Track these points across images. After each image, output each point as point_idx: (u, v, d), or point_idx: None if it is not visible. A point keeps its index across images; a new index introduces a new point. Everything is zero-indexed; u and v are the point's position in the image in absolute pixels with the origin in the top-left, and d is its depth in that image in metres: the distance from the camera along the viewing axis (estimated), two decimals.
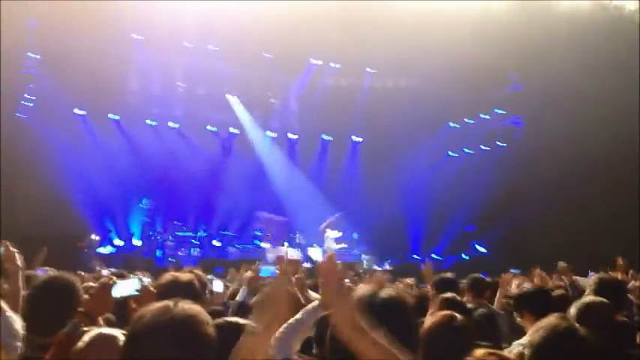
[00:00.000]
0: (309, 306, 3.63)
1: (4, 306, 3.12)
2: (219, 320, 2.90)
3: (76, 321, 2.89)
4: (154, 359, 1.79)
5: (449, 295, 4.61)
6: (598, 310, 3.48)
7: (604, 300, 3.63)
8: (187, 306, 1.90)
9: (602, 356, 2.38)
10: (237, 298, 4.77)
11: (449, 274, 6.41)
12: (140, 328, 1.83)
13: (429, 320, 3.30)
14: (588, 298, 3.73)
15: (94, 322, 2.96)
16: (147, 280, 4.28)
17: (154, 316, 1.84)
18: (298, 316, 3.53)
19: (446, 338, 3.11)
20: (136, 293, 3.08)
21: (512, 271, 11.54)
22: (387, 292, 2.04)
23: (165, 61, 21.44)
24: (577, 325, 2.43)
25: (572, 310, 3.52)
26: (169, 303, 1.89)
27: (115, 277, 3.26)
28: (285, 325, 3.48)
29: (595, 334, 3.14)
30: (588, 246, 16.41)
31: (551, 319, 2.45)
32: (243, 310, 4.55)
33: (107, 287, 3.07)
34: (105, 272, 8.52)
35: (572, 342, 2.32)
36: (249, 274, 4.96)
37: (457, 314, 3.34)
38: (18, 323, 3.10)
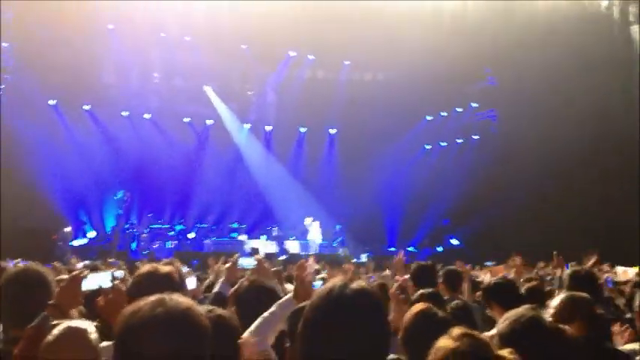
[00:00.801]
0: (283, 299, 3.64)
1: None
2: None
3: (45, 314, 2.85)
4: (151, 353, 1.77)
5: (424, 290, 4.65)
6: (580, 304, 3.51)
7: (585, 295, 3.66)
8: (181, 299, 1.88)
9: (570, 346, 2.42)
10: (215, 289, 4.74)
11: (424, 263, 6.37)
12: (136, 322, 1.79)
13: (407, 313, 3.31)
14: (570, 292, 3.73)
15: (64, 315, 2.93)
16: (120, 274, 4.24)
17: (151, 309, 1.81)
18: (272, 309, 3.54)
19: (425, 331, 3.13)
20: (107, 286, 3.05)
21: (487, 263, 11.70)
22: (358, 283, 2.04)
23: (142, 52, 21.24)
24: (543, 315, 2.47)
25: (554, 303, 3.55)
26: (163, 296, 1.86)
27: (86, 270, 3.23)
28: (259, 319, 3.49)
29: (578, 328, 3.19)
30: (562, 239, 16.56)
31: (518, 310, 2.49)
32: (220, 301, 4.54)
33: (77, 280, 3.04)
34: (79, 265, 8.44)
35: (537, 331, 2.36)
36: (227, 265, 4.93)
37: (434, 307, 3.37)
38: None
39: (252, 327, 3.45)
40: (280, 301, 3.60)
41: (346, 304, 1.93)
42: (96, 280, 3.09)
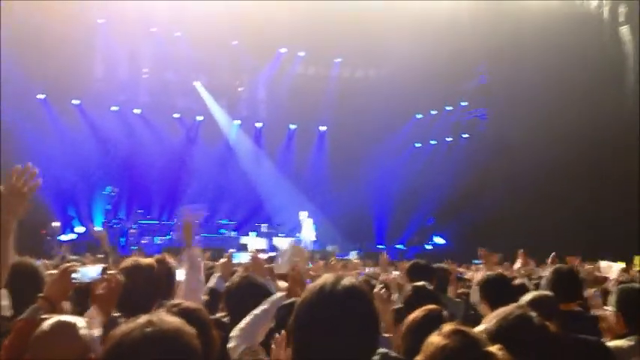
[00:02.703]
0: (274, 296, 3.64)
1: None
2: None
3: (36, 306, 2.86)
4: None
5: (419, 283, 4.66)
6: (544, 303, 3.53)
7: (548, 293, 3.69)
8: (170, 319, 1.84)
9: (557, 343, 2.44)
10: (209, 284, 4.74)
11: (422, 261, 6.41)
12: (125, 344, 1.74)
13: (413, 313, 3.31)
14: (535, 292, 3.77)
15: (54, 308, 2.95)
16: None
17: (140, 330, 1.76)
18: (263, 306, 3.55)
19: (428, 331, 3.14)
20: (99, 278, 3.05)
21: (474, 262, 11.71)
22: (349, 280, 2.06)
23: (132, 46, 21.16)
24: (533, 313, 2.49)
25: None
26: (152, 317, 1.81)
27: (77, 264, 3.22)
28: (249, 315, 3.49)
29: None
30: (550, 238, 16.66)
31: (506, 308, 2.51)
32: (215, 296, 4.54)
33: (67, 273, 3.05)
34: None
35: (525, 329, 2.37)
36: (222, 261, 4.95)
37: (441, 309, 3.38)
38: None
39: (242, 323, 3.45)
40: (272, 298, 3.61)
41: (337, 300, 1.96)
42: (87, 273, 3.09)
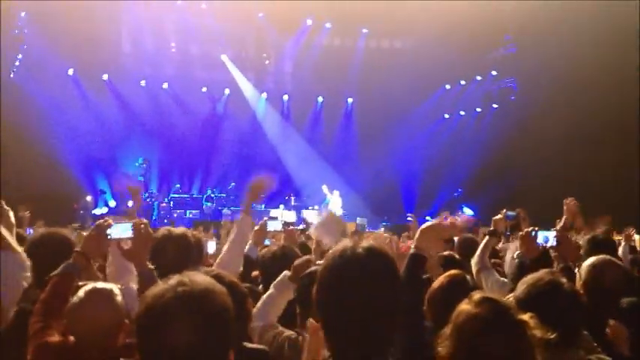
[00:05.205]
0: (278, 280, 3.71)
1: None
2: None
3: (70, 262, 2.92)
4: (173, 334, 1.69)
5: (447, 253, 4.67)
6: (612, 269, 3.45)
7: (615, 260, 3.58)
8: (201, 279, 1.82)
9: (586, 309, 2.42)
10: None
11: None
12: (161, 305, 1.72)
13: (437, 280, 3.32)
14: (598, 258, 3.61)
15: (89, 263, 3.08)
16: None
17: (173, 292, 1.74)
18: (270, 291, 3.65)
19: (453, 298, 3.14)
20: (131, 235, 3.09)
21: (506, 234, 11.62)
22: (368, 243, 2.04)
23: (158, 20, 21.19)
24: (562, 279, 2.46)
25: (583, 272, 3.47)
26: (182, 278, 1.79)
27: (111, 219, 3.28)
28: (260, 302, 3.59)
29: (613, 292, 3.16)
30: (582, 208, 16.42)
31: (536, 274, 2.48)
32: (248, 263, 4.61)
33: (103, 228, 3.11)
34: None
35: (555, 295, 2.36)
36: (256, 228, 5.03)
37: (464, 274, 3.38)
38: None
39: (255, 311, 3.51)
40: (276, 281, 3.68)
41: (359, 262, 1.95)
42: (120, 229, 3.15)
